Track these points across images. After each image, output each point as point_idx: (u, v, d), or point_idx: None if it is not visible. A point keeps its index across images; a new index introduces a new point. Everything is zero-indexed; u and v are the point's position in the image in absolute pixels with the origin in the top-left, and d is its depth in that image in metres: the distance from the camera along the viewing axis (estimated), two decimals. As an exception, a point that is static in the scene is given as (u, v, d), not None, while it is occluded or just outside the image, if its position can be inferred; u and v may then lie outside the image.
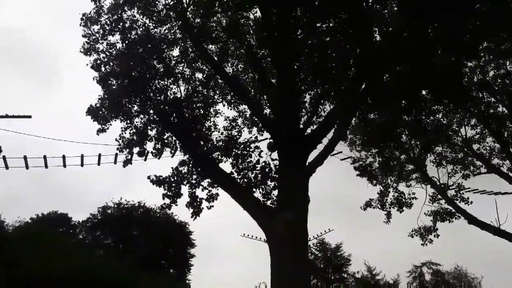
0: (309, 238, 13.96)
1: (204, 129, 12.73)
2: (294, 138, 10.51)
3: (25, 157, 12.93)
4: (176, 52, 12.65)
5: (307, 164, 10.63)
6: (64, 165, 13.28)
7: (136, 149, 12.50)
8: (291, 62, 10.79)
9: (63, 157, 13.26)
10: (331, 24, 10.54)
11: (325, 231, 32.69)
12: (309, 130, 11.60)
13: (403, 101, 11.75)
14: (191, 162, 12.32)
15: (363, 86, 11.12)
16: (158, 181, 11.99)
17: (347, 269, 41.65)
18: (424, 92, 11.90)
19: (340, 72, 11.27)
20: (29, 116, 12.81)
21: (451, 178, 19.31)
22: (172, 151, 13.09)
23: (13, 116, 12.75)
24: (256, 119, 13.66)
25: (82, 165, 13.60)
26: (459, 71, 11.21)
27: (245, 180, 12.09)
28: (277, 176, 11.50)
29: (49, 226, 31.28)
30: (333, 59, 11.20)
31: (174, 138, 12.54)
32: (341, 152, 16.09)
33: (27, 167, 13.02)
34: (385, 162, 16.28)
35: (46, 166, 13.18)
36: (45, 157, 13.11)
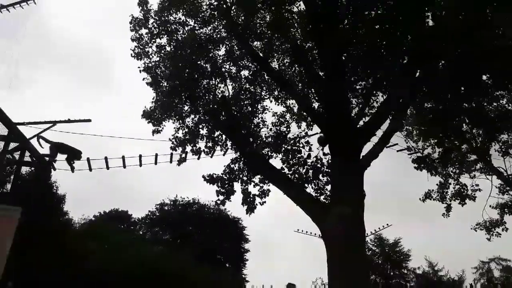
0: (366, 234, 13.57)
1: (252, 126, 12.78)
2: (346, 131, 10.19)
3: (88, 159, 13.64)
4: (222, 51, 12.80)
5: (361, 157, 10.30)
6: (124, 166, 13.86)
7: (189, 148, 12.88)
8: (338, 53, 10.46)
9: (123, 157, 13.85)
10: (379, 11, 10.07)
11: (383, 226, 31.73)
12: (361, 122, 11.24)
13: (462, 88, 11.01)
14: (242, 160, 12.42)
15: (418, 73, 10.56)
16: (211, 179, 12.25)
17: (407, 264, 40.14)
18: (485, 77, 11.06)
19: (392, 61, 10.75)
20: (89, 120, 13.47)
21: (520, 168, 17.89)
22: (223, 149, 13.30)
23: (74, 121, 13.47)
24: (304, 113, 13.47)
25: (140, 165, 14.15)
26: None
27: (297, 175, 11.98)
28: (329, 170, 11.26)
29: (111, 223, 33.02)
30: (384, 47, 10.70)
31: (224, 136, 12.72)
32: (396, 144, 15.39)
33: (90, 169, 13.72)
34: (445, 153, 15.37)
35: (107, 168, 13.82)
36: (106, 158, 13.76)
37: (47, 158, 13.16)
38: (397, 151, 16.05)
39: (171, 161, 14.06)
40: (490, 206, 18.18)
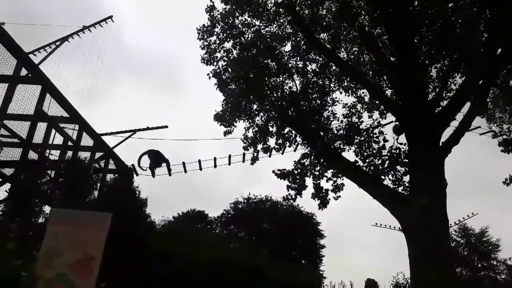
0: (450, 224, 12.82)
1: (322, 119, 12.64)
2: (423, 117, 9.71)
3: (167, 165, 14.42)
4: (288, 47, 12.82)
5: (440, 144, 9.75)
6: (200, 169, 14.49)
7: (260, 146, 13.08)
8: (411, 36, 9.96)
9: (199, 161, 14.49)
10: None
11: (467, 215, 29.68)
12: (439, 107, 10.63)
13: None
14: (313, 154, 12.34)
15: (500, 50, 9.75)
16: (282, 175, 12.32)
17: (497, 255, 37.21)
18: None
19: (469, 39, 10.04)
20: (166, 126, 14.30)
21: None
22: (294, 145, 13.30)
23: (152, 128, 14.39)
24: (377, 102, 13.04)
25: (215, 166, 14.70)
26: None
27: (372, 167, 11.65)
28: (407, 160, 10.80)
29: (189, 223, 34.42)
30: (459, 26, 10.03)
31: (294, 132, 12.72)
32: (479, 127, 14.33)
33: (169, 174, 14.54)
34: (536, 133, 14.01)
35: (185, 171, 14.53)
36: (183, 163, 14.49)
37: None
38: (480, 134, 14.95)
39: (243, 161, 14.40)
40: None
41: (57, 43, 17.57)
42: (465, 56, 10.31)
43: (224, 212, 38.39)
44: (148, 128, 14.16)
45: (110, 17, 18.14)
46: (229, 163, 14.53)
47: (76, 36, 18.34)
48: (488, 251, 36.75)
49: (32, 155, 13.17)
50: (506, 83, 11.49)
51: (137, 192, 21.87)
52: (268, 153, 13.34)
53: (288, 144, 13.27)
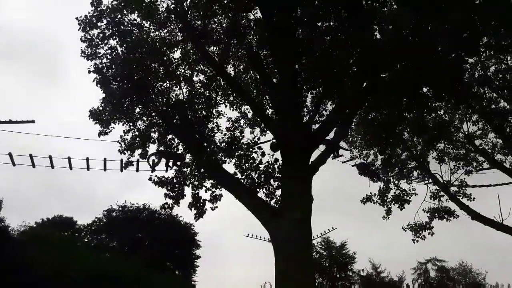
0: (313, 237, 13.96)
1: (207, 131, 12.77)
2: (297, 138, 10.52)
3: (30, 155, 12.92)
4: (177, 54, 12.71)
5: (310, 163, 10.66)
6: (70, 168, 13.23)
7: (138, 151, 12.61)
8: (293, 62, 10.81)
9: (69, 158, 13.23)
10: (331, 23, 10.55)
11: (328, 229, 32.78)
12: (311, 130, 11.64)
13: (404, 99, 11.77)
14: (194, 164, 12.38)
15: (364, 85, 11.15)
16: (160, 182, 12.08)
17: (352, 267, 41.74)
18: (425, 90, 11.92)
19: (341, 72, 11.29)
20: (33, 121, 12.83)
21: (453, 174, 19.26)
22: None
23: (17, 122, 12.77)
24: (258, 119, 13.70)
25: (88, 169, 13.56)
26: (459, 68, 11.21)
27: (249, 180, 12.12)
28: (280, 175, 11.53)
29: (54, 230, 31.46)
30: (334, 59, 11.23)
31: (176, 140, 12.60)
32: (342, 155, 15.94)
33: (33, 165, 12.97)
34: (387, 160, 16.25)
35: (52, 167, 13.12)
36: (50, 157, 13.09)
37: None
38: (343, 162, 16.72)
39: (121, 170, 13.42)
40: (423, 210, 19.15)
41: None
42: (336, 86, 11.53)
43: (96, 220, 35.96)
44: (11, 121, 12.49)
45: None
46: (105, 169, 13.48)
47: None
48: (346, 263, 41.07)
49: None
50: (366, 114, 13.16)
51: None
52: (148, 161, 12.89)
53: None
